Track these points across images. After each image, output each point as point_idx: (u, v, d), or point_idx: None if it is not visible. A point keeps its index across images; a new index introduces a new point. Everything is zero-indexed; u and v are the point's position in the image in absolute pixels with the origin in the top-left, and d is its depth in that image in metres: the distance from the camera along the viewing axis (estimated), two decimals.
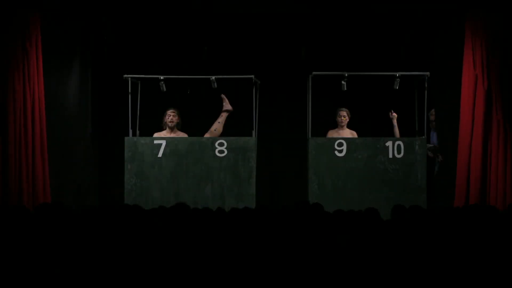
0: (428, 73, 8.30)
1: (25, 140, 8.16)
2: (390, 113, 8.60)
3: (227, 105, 8.53)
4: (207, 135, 8.41)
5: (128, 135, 8.28)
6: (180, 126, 8.44)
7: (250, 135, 8.25)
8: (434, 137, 9.09)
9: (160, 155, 8.16)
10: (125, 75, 8.39)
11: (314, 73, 8.32)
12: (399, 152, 8.16)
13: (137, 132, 8.41)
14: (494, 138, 8.26)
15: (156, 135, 8.36)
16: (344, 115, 8.57)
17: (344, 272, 3.96)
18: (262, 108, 8.69)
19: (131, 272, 3.93)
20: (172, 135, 8.35)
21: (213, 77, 8.25)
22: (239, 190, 8.12)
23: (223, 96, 8.54)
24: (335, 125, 8.64)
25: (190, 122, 8.80)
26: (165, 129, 8.43)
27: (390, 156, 8.16)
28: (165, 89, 8.39)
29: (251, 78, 8.26)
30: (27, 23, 8.21)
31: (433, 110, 8.91)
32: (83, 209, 4.91)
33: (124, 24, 9.38)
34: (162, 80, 8.35)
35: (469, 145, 8.32)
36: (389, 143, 8.19)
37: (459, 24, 8.53)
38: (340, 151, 8.20)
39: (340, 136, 8.42)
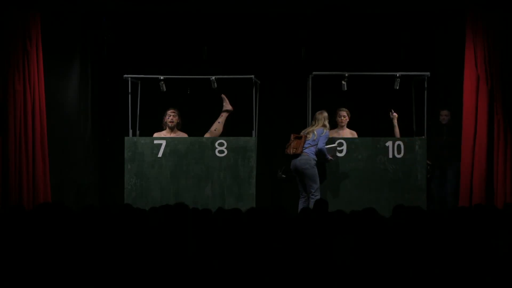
0: (428, 73, 8.28)
1: (25, 140, 8.17)
2: (390, 113, 8.58)
3: (227, 105, 8.52)
4: (207, 135, 8.40)
5: (128, 135, 8.28)
6: (180, 126, 8.43)
7: (250, 135, 8.25)
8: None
9: (160, 155, 8.15)
10: (125, 75, 8.39)
11: (314, 73, 8.32)
12: (399, 152, 8.15)
13: (137, 132, 8.41)
14: (497, 137, 8.26)
15: (156, 135, 8.36)
16: (344, 115, 8.55)
17: (344, 272, 3.96)
18: (262, 108, 8.69)
19: (131, 272, 3.93)
20: (172, 135, 8.34)
21: (213, 77, 8.24)
22: (239, 190, 8.12)
23: (223, 96, 8.53)
24: (335, 125, 8.63)
25: (190, 122, 8.80)
26: (165, 129, 8.42)
27: (390, 156, 8.15)
28: (165, 89, 8.39)
29: (251, 78, 8.26)
30: (27, 23, 8.22)
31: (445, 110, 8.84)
32: (83, 209, 4.91)
33: (124, 24, 9.38)
34: (162, 80, 8.35)
35: (472, 145, 8.31)
36: (389, 143, 8.18)
37: (460, 24, 8.52)
38: (340, 151, 8.20)
39: (340, 136, 8.41)
